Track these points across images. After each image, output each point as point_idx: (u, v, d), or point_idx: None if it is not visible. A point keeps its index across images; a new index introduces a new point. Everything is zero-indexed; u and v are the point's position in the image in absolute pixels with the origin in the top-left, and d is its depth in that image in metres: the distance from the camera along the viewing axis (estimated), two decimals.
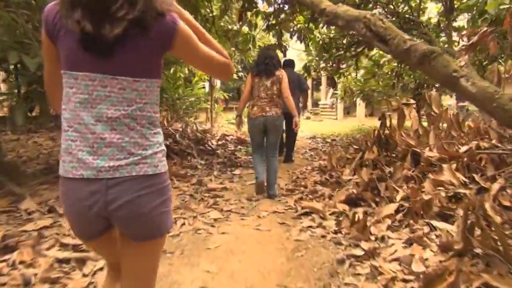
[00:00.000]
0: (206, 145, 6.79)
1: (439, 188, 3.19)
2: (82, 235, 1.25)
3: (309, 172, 5.50)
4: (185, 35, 1.14)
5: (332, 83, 8.78)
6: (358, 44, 9.07)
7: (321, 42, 8.14)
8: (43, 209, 3.39)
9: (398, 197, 3.26)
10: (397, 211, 3.11)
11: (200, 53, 1.21)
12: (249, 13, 6.52)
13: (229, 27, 8.65)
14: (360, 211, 3.32)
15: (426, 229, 2.73)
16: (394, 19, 7.45)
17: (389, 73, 10.49)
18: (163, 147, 1.21)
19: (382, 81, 11.10)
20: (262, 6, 7.30)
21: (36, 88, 3.62)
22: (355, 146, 5.36)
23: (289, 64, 6.27)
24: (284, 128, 5.02)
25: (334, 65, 9.23)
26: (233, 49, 11.92)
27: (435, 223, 2.74)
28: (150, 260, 1.24)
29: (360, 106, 17.13)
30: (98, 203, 1.09)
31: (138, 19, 1.03)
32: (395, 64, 10.25)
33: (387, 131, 4.53)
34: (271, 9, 6.90)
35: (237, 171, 5.48)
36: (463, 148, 3.68)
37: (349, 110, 21.70)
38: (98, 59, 1.06)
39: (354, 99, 12.93)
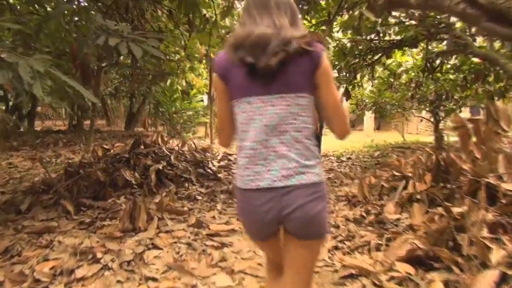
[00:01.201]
0: (206, 168, 5.75)
1: None
2: (256, 237, 1.46)
3: (334, 203, 4.45)
4: (327, 63, 1.32)
5: (347, 95, 7.71)
6: (375, 52, 8.15)
7: (337, 47, 7.17)
8: None
9: (494, 259, 2.21)
10: (499, 283, 2.06)
11: (333, 87, 1.35)
12: None
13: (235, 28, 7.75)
14: (436, 277, 2.27)
15: None
16: (417, 22, 6.51)
17: (407, 83, 9.52)
18: (320, 158, 1.51)
19: (399, 92, 10.13)
20: None
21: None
22: (394, 172, 4.30)
23: None
24: None
25: (348, 75, 8.27)
26: None
27: None
28: (311, 257, 1.41)
29: (370, 119, 16.15)
30: (274, 209, 1.29)
31: (292, 51, 1.24)
32: (413, 74, 9.31)
33: (443, 155, 3.49)
34: None
35: None
36: None
37: (354, 123, 20.73)
38: (265, 84, 1.29)
39: (366, 112, 11.97)
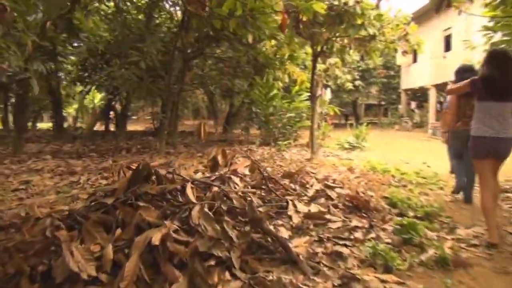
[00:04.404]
0: (270, 234, 2.89)
1: None
2: (479, 157, 3.18)
3: None
4: None
5: None
6: None
7: None
8: None
9: None
10: None
11: None
12: None
13: None
14: None
15: None
16: None
17: None
18: None
19: None
20: None
21: None
22: None
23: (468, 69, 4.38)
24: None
25: None
26: (346, 41, 7.92)
27: None
28: (501, 167, 3.26)
29: None
30: (494, 146, 3.07)
31: None
32: None
33: None
34: None
35: None
36: None
37: None
38: (497, 98, 3.05)
39: None
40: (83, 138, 11.29)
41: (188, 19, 9.29)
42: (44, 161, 6.98)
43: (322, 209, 3.58)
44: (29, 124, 19.33)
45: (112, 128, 14.81)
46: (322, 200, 3.92)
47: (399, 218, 3.43)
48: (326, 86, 16.84)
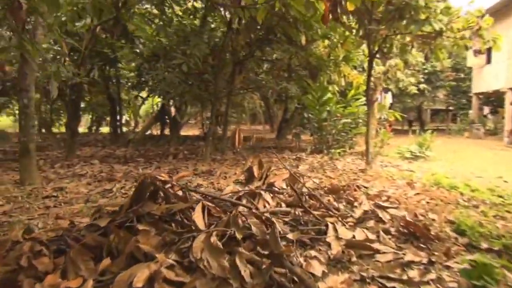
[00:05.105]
0: (295, 273, 2.37)
1: None
2: None
3: None
4: None
5: None
6: None
7: None
8: None
9: None
10: None
11: None
12: None
13: None
14: None
15: None
16: None
17: None
18: None
19: None
20: None
21: None
22: None
23: None
24: None
25: None
26: (408, 38, 7.05)
27: None
28: None
29: None
30: None
31: None
32: None
33: None
34: None
35: None
36: None
37: None
38: None
39: None
40: (136, 143, 11.47)
41: (239, 20, 9.04)
42: (91, 166, 7.02)
43: (370, 235, 2.98)
44: (93, 128, 20.43)
45: (167, 132, 15.05)
46: (371, 223, 3.31)
47: (468, 254, 2.74)
48: (386, 90, 15.79)
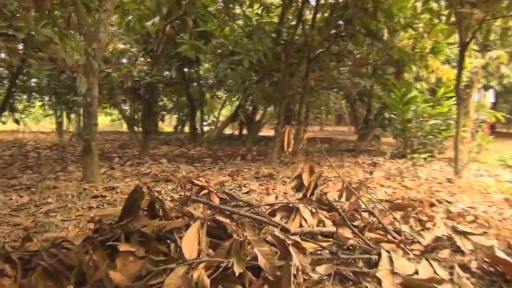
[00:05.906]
0: None
1: None
2: None
3: None
4: None
5: None
6: None
7: None
8: None
9: None
10: None
11: None
12: None
13: None
14: None
15: None
16: None
17: None
18: None
19: None
20: None
21: None
22: None
23: None
24: None
25: None
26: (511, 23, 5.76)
27: None
28: None
29: None
30: None
31: None
32: None
33: None
34: None
35: None
36: None
37: None
38: None
39: None
40: (210, 143, 11.52)
41: (314, 13, 8.46)
42: (158, 165, 7.06)
43: (440, 271, 2.27)
44: (179, 127, 21.35)
45: (245, 131, 15.04)
46: (445, 253, 2.56)
47: None
48: (487, 87, 13.77)
